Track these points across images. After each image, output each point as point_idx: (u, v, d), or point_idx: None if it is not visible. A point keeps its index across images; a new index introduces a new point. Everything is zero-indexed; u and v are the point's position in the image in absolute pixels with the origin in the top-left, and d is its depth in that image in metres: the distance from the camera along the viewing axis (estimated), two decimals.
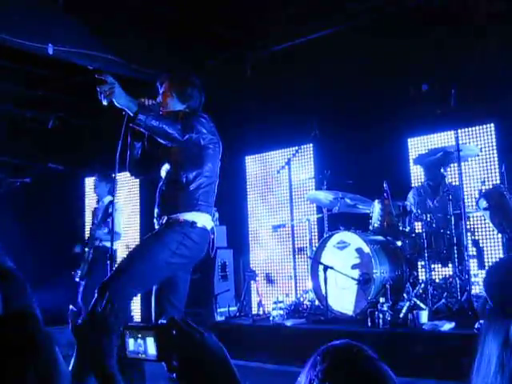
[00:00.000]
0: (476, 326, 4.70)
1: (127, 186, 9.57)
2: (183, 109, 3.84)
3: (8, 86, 8.19)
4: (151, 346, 1.38)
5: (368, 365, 1.34)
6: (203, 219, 3.64)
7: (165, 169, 3.78)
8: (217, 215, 8.02)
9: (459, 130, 6.79)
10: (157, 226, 3.68)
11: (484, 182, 6.14)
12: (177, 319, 1.40)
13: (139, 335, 1.42)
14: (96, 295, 3.21)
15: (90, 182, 10.01)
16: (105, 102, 3.28)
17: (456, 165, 5.88)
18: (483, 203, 5.74)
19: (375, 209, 6.09)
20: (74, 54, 6.95)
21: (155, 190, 3.83)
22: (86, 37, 6.97)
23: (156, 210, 3.73)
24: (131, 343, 1.44)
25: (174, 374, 1.35)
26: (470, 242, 5.96)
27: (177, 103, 3.83)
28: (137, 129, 3.50)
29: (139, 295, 6.62)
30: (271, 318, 6.10)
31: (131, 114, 3.36)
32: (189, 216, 3.57)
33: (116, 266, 3.53)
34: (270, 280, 8.23)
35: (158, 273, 3.53)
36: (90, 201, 9.96)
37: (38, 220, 9.65)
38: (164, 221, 3.61)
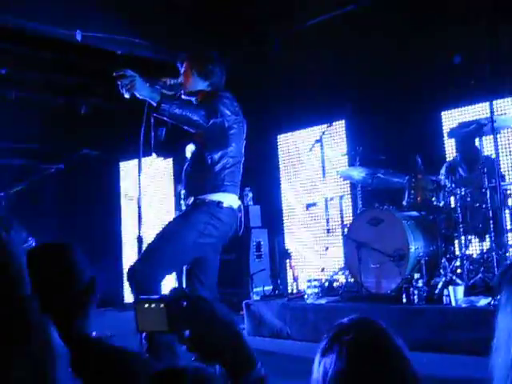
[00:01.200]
0: (492, 302, 4.64)
1: (160, 169, 9.63)
2: (205, 86, 3.84)
3: (38, 73, 8.29)
4: (162, 318, 1.39)
5: (374, 333, 1.31)
6: (230, 199, 3.65)
7: (190, 149, 3.79)
8: (250, 195, 8.04)
9: (494, 102, 6.64)
10: (184, 207, 3.70)
11: None
12: (186, 291, 1.41)
13: (151, 307, 1.42)
14: (127, 278, 3.24)
15: (124, 167, 10.11)
16: (127, 95, 3.34)
17: (491, 137, 5.75)
18: None
19: (408, 184, 6.00)
20: (101, 39, 7.00)
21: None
22: (113, 22, 7.00)
23: (183, 191, 3.76)
24: (143, 316, 1.44)
25: (185, 345, 1.35)
26: (507, 215, 5.83)
27: (198, 81, 3.84)
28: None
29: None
30: (305, 297, 6.09)
31: (154, 104, 3.37)
32: (215, 197, 3.59)
33: (144, 248, 3.56)
34: (304, 258, 8.21)
35: (186, 253, 3.56)
36: (126, 185, 10.06)
37: (74, 206, 9.81)
38: (191, 201, 3.64)
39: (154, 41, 7.21)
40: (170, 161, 9.33)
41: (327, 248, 7.23)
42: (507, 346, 0.88)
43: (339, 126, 8.02)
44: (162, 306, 1.39)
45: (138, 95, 3.36)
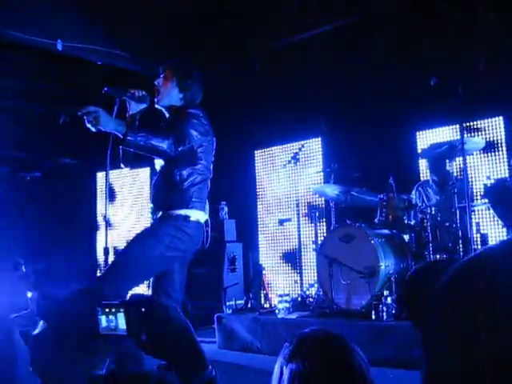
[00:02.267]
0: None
1: (140, 179, 9.64)
2: (179, 99, 3.88)
3: (18, 81, 8.29)
4: (122, 322, 1.44)
5: (335, 342, 1.38)
6: (197, 214, 3.70)
7: (158, 163, 3.84)
8: (226, 209, 8.09)
9: (467, 124, 6.78)
10: (152, 221, 3.75)
11: (490, 176, 6.12)
12: (144, 296, 1.47)
13: (111, 312, 1.47)
14: (93, 289, 3.26)
15: (101, 177, 10.11)
16: (93, 129, 3.41)
17: (462, 159, 5.86)
18: (489, 197, 5.74)
19: (381, 202, 6.09)
20: (82, 49, 7.03)
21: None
22: (95, 32, 7.04)
23: (151, 205, 3.80)
24: (103, 320, 1.49)
25: (142, 348, 1.41)
26: (475, 235, 5.94)
27: (175, 90, 3.88)
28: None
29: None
30: (277, 311, 6.14)
31: (120, 136, 3.44)
32: (182, 212, 3.63)
33: (111, 260, 3.58)
34: (277, 273, 8.26)
35: (152, 267, 3.59)
36: (103, 195, 10.05)
37: (50, 214, 9.76)
38: (158, 216, 3.69)
39: (133, 52, 7.26)
40: (147, 170, 9.36)
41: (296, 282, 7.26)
42: None
43: (315, 143, 8.12)
44: (121, 310, 1.44)
45: (103, 129, 3.44)
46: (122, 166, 3.86)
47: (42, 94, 8.80)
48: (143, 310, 1.40)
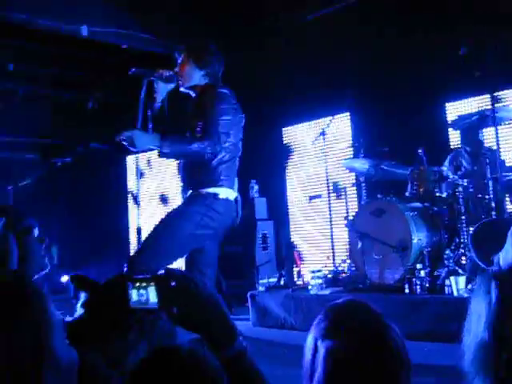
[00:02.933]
0: (468, 288, 4.69)
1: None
2: (201, 76, 3.87)
3: (45, 69, 8.36)
4: (153, 296, 1.46)
5: (369, 318, 1.38)
6: (226, 192, 3.70)
7: None
8: (256, 187, 8.10)
9: (497, 93, 6.66)
10: (182, 200, 3.78)
11: None
12: (175, 271, 1.49)
13: (141, 286, 1.50)
14: (125, 270, 3.31)
15: (131, 161, 10.19)
16: (134, 150, 3.54)
17: (494, 129, 5.77)
18: None
19: (411, 175, 6.03)
20: (107, 34, 7.05)
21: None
22: (118, 16, 7.06)
23: (181, 184, 3.83)
24: (134, 294, 1.52)
25: (173, 321, 1.44)
26: (508, 206, 5.86)
27: (195, 69, 3.86)
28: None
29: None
30: (309, 288, 6.15)
31: (158, 149, 3.56)
32: (212, 190, 3.65)
33: (142, 240, 3.63)
34: (309, 250, 8.27)
35: (184, 245, 3.62)
36: (134, 179, 10.16)
37: (82, 200, 9.90)
38: (188, 194, 3.71)
39: (157, 35, 7.27)
40: None
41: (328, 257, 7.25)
42: (476, 330, 0.93)
43: (344, 119, 8.06)
44: (151, 284, 1.46)
45: (140, 149, 3.56)
46: (159, 156, 3.91)
47: (69, 80, 8.88)
48: (174, 283, 1.43)
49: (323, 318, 1.40)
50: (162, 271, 1.47)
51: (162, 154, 3.62)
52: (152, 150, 3.68)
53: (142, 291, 1.49)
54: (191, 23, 7.40)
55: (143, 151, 3.75)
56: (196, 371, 1.23)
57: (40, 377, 1.27)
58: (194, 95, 3.96)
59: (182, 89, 3.93)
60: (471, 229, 5.88)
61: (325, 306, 1.45)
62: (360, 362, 1.30)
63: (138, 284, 1.50)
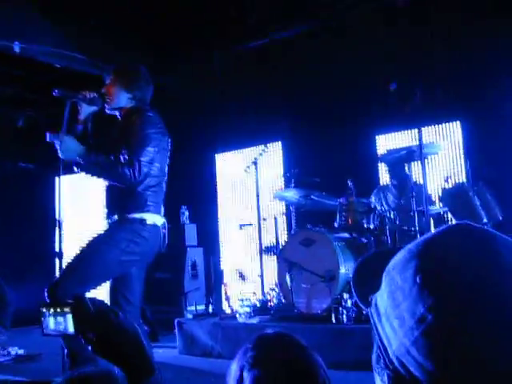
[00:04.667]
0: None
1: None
2: (128, 99, 3.83)
3: None
4: (70, 322, 1.43)
5: (297, 352, 1.38)
6: (153, 218, 3.67)
7: None
8: (187, 213, 8.06)
9: (427, 128, 6.89)
10: (107, 225, 3.71)
11: (447, 179, 6.22)
12: (94, 299, 1.47)
13: (59, 312, 1.46)
14: (46, 295, 3.22)
15: (61, 181, 9.98)
16: (61, 156, 3.54)
17: (420, 163, 5.95)
18: (447, 201, 5.83)
19: (340, 206, 6.14)
20: (40, 52, 6.93)
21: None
22: (53, 35, 6.95)
23: (106, 209, 3.77)
24: (51, 321, 1.48)
25: (90, 347, 1.40)
26: None
27: (121, 92, 3.82)
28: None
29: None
30: (237, 316, 6.13)
31: (81, 162, 3.54)
32: (138, 215, 3.60)
33: (66, 264, 3.54)
34: (241, 276, 8.26)
35: (108, 271, 3.56)
36: (65, 199, 9.95)
37: (7, 219, 9.60)
38: (113, 220, 3.65)
39: (91, 55, 7.19)
40: None
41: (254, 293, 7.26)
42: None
43: (276, 148, 8.15)
44: (68, 310, 1.44)
45: (63, 158, 3.55)
46: (75, 169, 3.82)
47: (0, 97, 8.66)
48: (92, 309, 1.40)
49: (251, 347, 1.40)
50: (81, 298, 1.44)
51: (82, 168, 3.57)
52: (75, 162, 3.59)
53: (59, 318, 1.46)
54: (126, 44, 7.36)
55: (67, 165, 3.66)
56: None
57: None
58: (119, 118, 3.92)
59: (107, 111, 3.89)
60: None
61: (253, 335, 1.44)
62: None
63: (54, 310, 1.47)
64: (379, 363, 0.85)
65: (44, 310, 1.49)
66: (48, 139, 3.52)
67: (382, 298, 0.85)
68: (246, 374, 1.34)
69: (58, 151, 3.49)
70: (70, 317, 1.43)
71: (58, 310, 1.46)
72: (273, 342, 1.43)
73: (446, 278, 0.77)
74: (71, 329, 1.43)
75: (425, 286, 0.78)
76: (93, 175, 3.61)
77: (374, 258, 1.01)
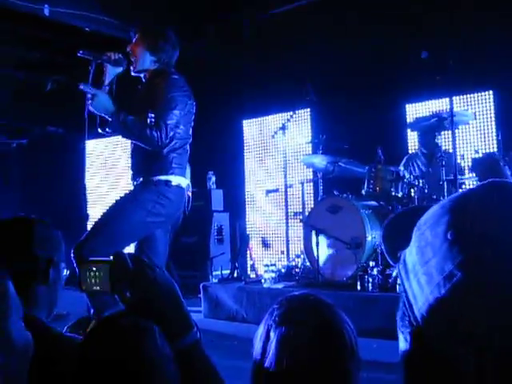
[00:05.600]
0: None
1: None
2: (152, 61, 3.81)
3: (6, 48, 8.16)
4: (106, 278, 1.43)
5: (324, 310, 1.38)
6: (178, 179, 3.68)
7: None
8: (213, 179, 8.06)
9: (457, 97, 6.78)
10: (132, 187, 3.73)
11: (478, 150, 6.14)
12: (132, 254, 1.46)
13: (95, 268, 1.47)
14: (72, 255, 3.25)
15: (89, 146, 10.05)
16: (91, 108, 3.55)
17: (450, 132, 5.86)
18: (477, 170, 5.76)
19: (368, 174, 6.09)
20: (70, 15, 6.91)
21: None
22: None
23: (131, 171, 3.79)
24: (87, 276, 1.49)
25: (127, 306, 1.40)
26: None
27: (146, 54, 3.81)
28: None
29: None
30: (263, 281, 6.17)
31: (110, 120, 3.56)
32: (163, 177, 3.62)
33: (92, 225, 3.57)
34: (264, 243, 8.29)
35: (134, 232, 3.59)
36: (91, 163, 10.03)
37: (38, 182, 9.72)
38: (139, 181, 3.67)
39: (120, 18, 7.16)
40: None
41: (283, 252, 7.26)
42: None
43: (304, 114, 8.10)
44: (105, 266, 1.43)
45: (95, 111, 3.55)
46: (100, 130, 3.82)
47: (29, 61, 8.69)
48: (130, 266, 1.39)
49: (277, 306, 1.40)
50: (120, 254, 1.44)
51: (110, 126, 3.58)
52: (103, 120, 3.62)
53: (96, 273, 1.46)
54: (154, 7, 7.32)
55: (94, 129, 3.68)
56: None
57: None
58: (144, 79, 3.91)
59: (132, 73, 3.88)
60: None
61: (279, 298, 1.44)
62: (311, 349, 1.31)
63: (91, 267, 1.47)
64: (403, 321, 0.84)
65: (81, 267, 1.49)
66: (81, 87, 3.51)
67: (410, 253, 0.84)
68: (272, 333, 1.35)
69: (89, 103, 3.49)
70: (106, 272, 1.43)
71: (95, 265, 1.47)
72: (299, 302, 1.43)
73: (479, 236, 0.76)
74: (107, 286, 1.43)
75: (455, 243, 0.76)
76: (121, 135, 3.62)
77: (405, 214, 1.00)
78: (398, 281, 5.24)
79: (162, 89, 3.67)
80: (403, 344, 0.84)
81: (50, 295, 1.86)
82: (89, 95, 3.50)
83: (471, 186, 5.53)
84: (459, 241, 0.76)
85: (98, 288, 1.47)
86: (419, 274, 0.81)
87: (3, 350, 1.26)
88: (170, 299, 1.41)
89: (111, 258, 1.44)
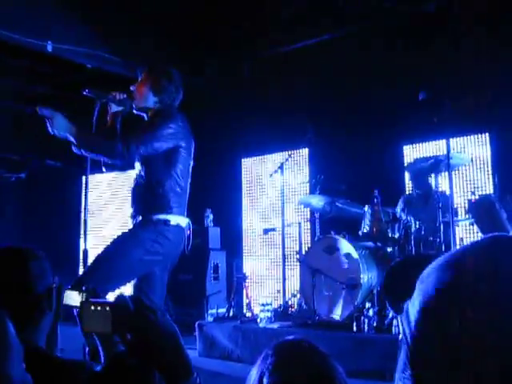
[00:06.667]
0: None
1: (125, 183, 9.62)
2: (154, 102, 3.85)
3: (8, 81, 8.24)
4: (107, 320, 1.43)
5: (318, 360, 1.38)
6: (176, 218, 3.69)
7: (137, 167, 3.82)
8: (211, 216, 8.07)
9: (455, 139, 6.83)
10: (131, 225, 3.74)
11: (474, 192, 6.16)
12: (135, 297, 1.45)
13: (97, 309, 1.46)
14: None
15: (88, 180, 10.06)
16: (51, 131, 3.54)
17: (447, 174, 5.90)
18: (473, 212, 5.77)
19: (365, 215, 6.11)
20: (72, 52, 7.01)
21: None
22: (86, 35, 7.04)
23: (131, 209, 3.80)
24: (89, 317, 1.48)
25: (127, 348, 1.39)
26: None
27: (149, 94, 3.83)
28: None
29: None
30: (258, 320, 6.13)
31: (73, 140, 3.54)
32: (162, 216, 3.63)
33: (90, 262, 3.57)
34: (260, 283, 8.26)
35: (132, 270, 3.59)
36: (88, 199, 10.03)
37: (35, 217, 9.71)
38: (138, 220, 3.68)
39: (124, 57, 7.26)
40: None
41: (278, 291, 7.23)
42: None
43: (302, 154, 8.15)
44: (107, 308, 1.43)
45: (56, 133, 3.54)
46: (104, 169, 3.85)
47: (31, 95, 8.76)
48: (131, 308, 1.39)
49: (271, 353, 1.39)
50: (119, 296, 1.44)
51: (75, 148, 3.58)
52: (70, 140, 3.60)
53: (97, 314, 1.46)
54: (156, 44, 7.43)
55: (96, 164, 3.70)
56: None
57: None
58: (146, 118, 3.95)
59: (134, 111, 3.91)
60: None
61: (273, 341, 1.44)
62: None
63: (93, 307, 1.47)
64: (405, 372, 0.85)
65: (83, 306, 1.49)
66: (39, 112, 3.51)
67: (413, 305, 0.85)
68: (265, 380, 1.34)
69: (48, 126, 3.49)
70: (107, 314, 1.43)
71: (97, 306, 1.47)
72: (293, 349, 1.42)
73: (481, 290, 0.77)
74: (108, 328, 1.43)
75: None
76: (87, 152, 3.59)
77: (405, 264, 1.01)
78: (395, 322, 5.23)
79: (154, 121, 3.75)
80: None
81: (52, 323, 1.85)
82: (47, 119, 3.50)
83: (466, 228, 5.55)
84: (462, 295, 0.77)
85: (99, 329, 1.46)
86: None
87: None
88: (171, 344, 1.40)
89: (112, 299, 1.44)
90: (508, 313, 0.75)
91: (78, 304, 1.52)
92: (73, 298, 1.95)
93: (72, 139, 3.53)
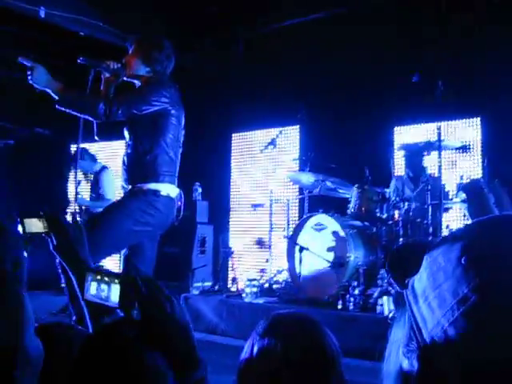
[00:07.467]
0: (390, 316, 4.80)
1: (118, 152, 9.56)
2: (146, 72, 3.83)
3: None
4: (115, 294, 1.40)
5: (308, 325, 1.39)
6: (167, 188, 3.67)
7: (126, 135, 3.80)
8: (200, 190, 8.05)
9: (445, 122, 6.83)
10: (122, 194, 3.72)
11: (462, 176, 6.19)
12: (147, 278, 1.42)
13: (104, 280, 1.43)
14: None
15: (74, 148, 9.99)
16: (31, 83, 3.46)
17: (437, 157, 5.91)
18: (462, 195, 5.80)
19: (354, 194, 6.12)
20: (65, 18, 6.91)
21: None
22: (79, 2, 6.94)
23: (121, 179, 3.78)
24: (93, 287, 1.45)
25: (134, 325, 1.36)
26: (445, 232, 6.00)
27: (140, 65, 3.82)
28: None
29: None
30: (244, 295, 6.15)
31: (53, 95, 3.48)
32: (152, 186, 3.61)
33: None
34: (246, 258, 8.28)
35: (121, 240, 3.58)
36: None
37: (23, 183, 9.64)
38: (128, 189, 3.66)
39: (116, 25, 7.17)
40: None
41: (267, 260, 7.24)
42: (395, 359, 0.92)
43: (293, 131, 8.12)
44: (116, 281, 1.41)
45: (35, 85, 3.46)
46: (96, 138, 3.81)
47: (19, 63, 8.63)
48: (145, 290, 1.36)
49: (263, 321, 1.42)
50: (131, 271, 1.42)
51: (57, 104, 3.52)
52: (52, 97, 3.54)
53: (103, 286, 1.43)
54: (150, 17, 7.34)
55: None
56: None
57: (11, 374, 1.23)
58: (138, 84, 3.92)
59: (124, 78, 3.88)
60: None
61: (258, 315, 1.46)
62: (295, 363, 1.32)
63: (99, 277, 1.44)
64: (410, 345, 0.85)
65: (88, 274, 1.47)
66: (19, 60, 3.46)
67: (420, 279, 0.85)
68: (255, 346, 1.36)
69: (28, 77, 3.43)
70: (115, 288, 1.40)
71: (105, 278, 1.44)
72: (286, 316, 1.45)
73: (494, 261, 0.77)
74: (114, 300, 1.40)
75: (470, 267, 0.77)
76: (68, 108, 3.54)
77: (411, 245, 1.01)
78: (379, 301, 5.27)
79: (143, 85, 3.74)
80: (409, 369, 0.84)
81: None
82: (28, 68, 3.43)
83: (456, 211, 5.57)
84: (474, 265, 0.77)
85: (102, 301, 1.43)
86: (430, 298, 0.82)
87: (20, 365, 1.26)
88: (183, 335, 1.39)
89: (126, 273, 1.42)
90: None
91: (42, 230, 1.51)
92: (35, 224, 1.94)
93: (52, 94, 3.47)
